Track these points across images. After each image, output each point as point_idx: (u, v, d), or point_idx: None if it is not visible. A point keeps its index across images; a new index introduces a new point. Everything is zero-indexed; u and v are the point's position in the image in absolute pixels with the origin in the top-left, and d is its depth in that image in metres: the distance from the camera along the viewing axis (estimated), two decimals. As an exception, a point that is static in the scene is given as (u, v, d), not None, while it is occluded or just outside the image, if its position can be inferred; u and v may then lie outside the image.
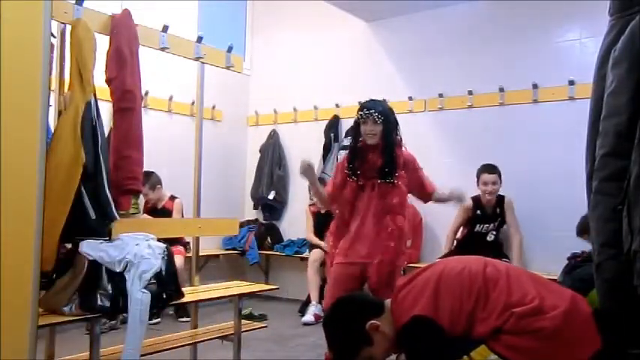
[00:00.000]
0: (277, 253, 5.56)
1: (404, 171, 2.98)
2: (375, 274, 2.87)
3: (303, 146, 5.63)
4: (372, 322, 1.91)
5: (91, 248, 2.22)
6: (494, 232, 4.30)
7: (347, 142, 4.83)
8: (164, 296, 2.39)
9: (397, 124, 3.03)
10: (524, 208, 4.33)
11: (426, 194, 3.15)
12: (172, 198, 4.66)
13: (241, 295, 2.94)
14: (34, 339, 1.66)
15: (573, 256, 3.12)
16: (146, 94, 4.75)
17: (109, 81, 2.56)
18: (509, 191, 4.34)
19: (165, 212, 4.57)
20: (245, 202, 6.03)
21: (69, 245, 2.31)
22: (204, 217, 3.24)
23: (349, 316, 1.99)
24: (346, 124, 5.26)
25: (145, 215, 4.50)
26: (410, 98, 5.03)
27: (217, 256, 5.38)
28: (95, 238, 2.27)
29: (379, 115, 2.91)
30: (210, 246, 5.36)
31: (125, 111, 2.58)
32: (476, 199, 4.35)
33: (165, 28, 2.90)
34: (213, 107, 5.58)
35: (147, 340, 2.58)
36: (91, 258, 2.20)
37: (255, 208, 5.93)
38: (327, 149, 5.41)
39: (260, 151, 5.92)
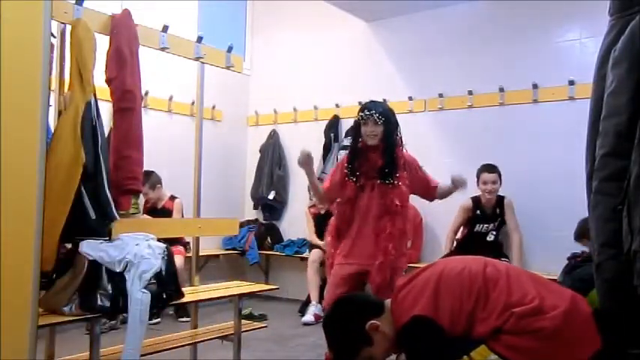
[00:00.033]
0: (277, 253, 5.56)
1: (406, 172, 2.98)
2: (376, 277, 2.87)
3: (303, 146, 5.57)
4: (372, 322, 1.91)
5: (91, 248, 2.22)
6: (494, 232, 4.30)
7: (347, 142, 4.84)
8: (164, 296, 2.39)
9: (398, 125, 3.03)
10: (524, 208, 4.33)
11: (430, 193, 3.14)
12: (172, 198, 4.66)
13: (241, 295, 2.94)
14: (34, 339, 1.66)
15: (573, 256, 3.13)
16: (146, 94, 4.75)
17: (109, 81, 2.56)
18: (509, 191, 4.34)
19: (165, 212, 4.57)
20: (245, 202, 6.03)
21: (69, 245, 2.31)
22: (204, 217, 3.24)
23: (349, 316, 1.99)
24: (346, 124, 5.26)
25: (145, 216, 4.50)
26: (410, 98, 5.03)
27: (217, 256, 5.38)
28: (95, 238, 2.27)
29: (380, 116, 2.91)
30: (210, 246, 5.36)
31: (125, 111, 2.58)
32: (475, 200, 4.35)
33: (165, 28, 2.90)
34: (213, 107, 5.58)
35: (147, 340, 2.58)
36: (91, 258, 2.20)
37: (255, 208, 5.93)
38: (327, 149, 5.41)
39: (260, 151, 5.92)
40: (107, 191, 2.34)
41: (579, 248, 3.39)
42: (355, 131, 3.05)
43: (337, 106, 5.48)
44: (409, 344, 1.88)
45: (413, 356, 1.89)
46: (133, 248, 2.31)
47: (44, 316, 2.10)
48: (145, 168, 2.81)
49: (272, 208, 5.79)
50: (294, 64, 5.85)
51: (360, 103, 4.85)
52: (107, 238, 2.32)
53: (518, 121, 4.52)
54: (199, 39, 3.11)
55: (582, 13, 4.27)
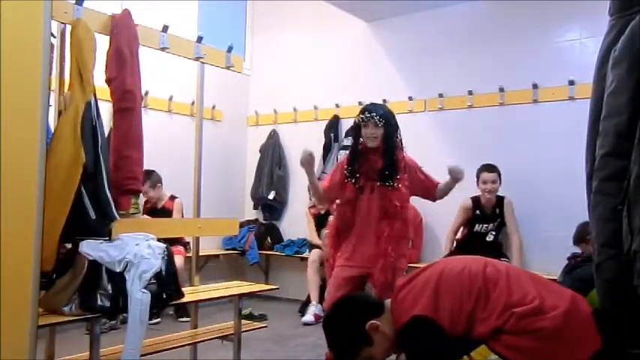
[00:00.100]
0: (277, 253, 5.56)
1: (406, 174, 2.99)
2: (379, 281, 2.88)
3: (303, 146, 5.56)
4: (372, 322, 1.91)
5: (91, 248, 2.22)
6: (493, 232, 4.30)
7: (347, 142, 4.84)
8: (164, 296, 2.39)
9: (398, 127, 3.03)
10: (524, 208, 4.33)
11: (430, 194, 3.15)
12: (172, 198, 4.66)
13: (241, 295, 2.94)
14: (34, 339, 1.66)
15: (573, 256, 3.14)
16: (146, 94, 4.75)
17: (109, 81, 2.56)
18: (509, 191, 4.34)
19: (165, 212, 4.57)
20: (245, 202, 6.03)
21: (69, 245, 2.31)
22: (204, 217, 3.24)
23: (349, 316, 1.99)
24: (346, 124, 5.26)
25: (145, 216, 4.50)
26: (410, 98, 5.03)
27: (217, 256, 5.38)
28: (95, 238, 2.27)
29: (380, 118, 2.92)
30: (210, 246, 5.36)
31: (125, 111, 2.58)
32: (475, 200, 4.36)
33: (165, 28, 2.90)
34: (213, 107, 5.58)
35: (147, 340, 2.58)
36: (91, 258, 2.20)
37: (255, 208, 5.93)
38: (327, 149, 5.41)
39: (260, 151, 5.92)
40: (107, 191, 2.34)
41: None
42: (355, 132, 3.05)
43: (337, 106, 5.48)
44: (409, 344, 1.88)
45: (413, 356, 1.89)
46: (133, 248, 2.31)
47: (44, 316, 2.10)
48: (145, 168, 2.81)
49: (272, 208, 5.79)
50: (294, 64, 5.85)
51: (360, 103, 4.87)
52: (107, 238, 2.32)
53: (518, 121, 4.52)
54: (199, 39, 3.11)
55: (582, 13, 4.27)
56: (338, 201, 3.10)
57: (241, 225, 5.50)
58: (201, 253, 3.31)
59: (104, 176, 2.34)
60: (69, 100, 2.33)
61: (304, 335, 4.14)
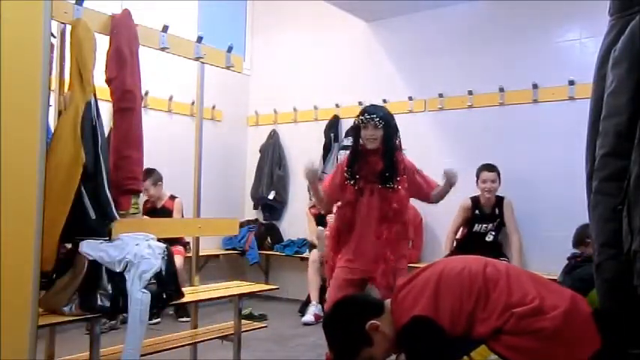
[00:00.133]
0: (277, 253, 5.56)
1: (405, 176, 2.99)
2: (381, 285, 2.90)
3: (303, 146, 5.64)
4: (372, 322, 1.91)
5: (91, 248, 2.22)
6: (493, 233, 4.30)
7: (347, 142, 4.84)
8: (164, 296, 2.39)
9: (397, 129, 3.04)
10: (524, 208, 4.33)
11: (427, 196, 3.16)
12: (172, 197, 4.66)
13: (241, 295, 2.94)
14: (34, 339, 1.66)
15: (573, 256, 3.14)
16: (146, 94, 4.75)
17: (109, 81, 2.56)
18: (509, 191, 4.34)
19: (165, 212, 4.57)
20: (245, 202, 6.03)
21: (69, 245, 2.31)
22: (204, 217, 3.24)
23: (349, 316, 1.99)
24: (346, 124, 5.26)
25: (145, 217, 4.50)
26: (410, 98, 5.03)
27: (217, 256, 5.38)
28: (95, 238, 2.27)
29: (380, 120, 2.93)
30: (210, 246, 5.36)
31: (125, 111, 2.58)
32: (475, 200, 4.36)
33: (165, 28, 2.90)
34: (213, 107, 5.58)
35: (147, 340, 2.57)
36: (91, 258, 2.20)
37: (255, 208, 5.93)
38: (327, 149, 5.41)
39: (260, 151, 5.92)
40: (107, 191, 2.34)
41: (579, 248, 3.40)
42: (355, 133, 3.05)
43: (337, 106, 5.48)
44: (409, 344, 1.88)
45: (413, 356, 1.89)
46: (133, 248, 2.31)
47: (44, 316, 2.10)
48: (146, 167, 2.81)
49: (272, 208, 5.79)
50: (294, 64, 5.85)
51: (360, 103, 4.88)
52: (107, 238, 2.32)
53: (518, 121, 4.52)
54: (199, 39, 3.11)
55: (582, 13, 4.27)
56: (338, 203, 3.11)
57: (241, 225, 5.50)
58: (201, 253, 3.31)
59: (104, 176, 2.34)
60: (69, 100, 2.33)
61: (304, 335, 4.14)
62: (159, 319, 4.36)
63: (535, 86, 4.42)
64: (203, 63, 3.16)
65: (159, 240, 2.50)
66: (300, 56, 5.82)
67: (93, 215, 2.28)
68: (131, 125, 2.60)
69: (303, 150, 5.63)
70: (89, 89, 2.33)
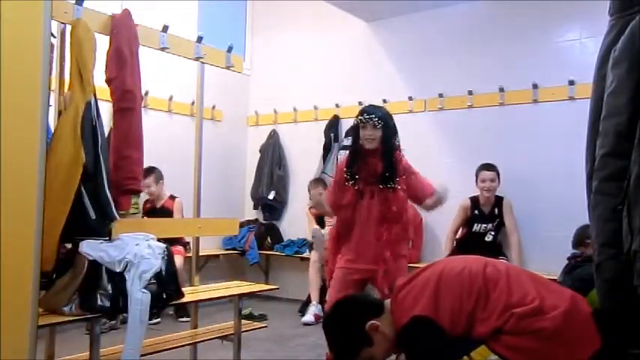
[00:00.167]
0: (277, 253, 5.56)
1: (404, 177, 3.00)
2: (381, 285, 2.90)
3: (303, 146, 5.64)
4: (372, 322, 1.91)
5: (91, 248, 2.22)
6: (492, 233, 4.30)
7: (347, 142, 4.83)
8: (164, 296, 2.39)
9: (396, 130, 3.04)
10: (524, 208, 4.33)
11: (420, 203, 3.17)
12: (172, 197, 4.66)
13: (241, 295, 2.94)
14: (34, 339, 1.66)
15: (573, 256, 3.14)
16: (146, 94, 4.75)
17: (109, 81, 2.56)
18: (508, 191, 4.34)
19: (165, 212, 4.57)
20: (245, 202, 6.03)
21: (69, 245, 2.31)
22: (204, 217, 3.24)
23: (349, 316, 1.99)
24: (346, 124, 5.26)
25: (145, 218, 4.50)
26: (410, 98, 5.03)
27: (217, 256, 5.38)
28: (95, 238, 2.27)
29: (379, 120, 2.93)
30: (210, 246, 5.36)
31: (125, 111, 2.58)
32: (474, 199, 4.36)
33: (165, 28, 2.90)
34: (213, 107, 5.58)
35: (147, 340, 2.57)
36: (91, 258, 2.20)
37: (255, 208, 5.93)
38: (327, 149, 5.41)
39: (260, 151, 5.92)
40: (107, 191, 2.34)
41: (579, 248, 3.40)
42: (355, 133, 3.06)
43: (337, 106, 5.48)
44: (409, 344, 1.88)
45: (413, 356, 1.89)
46: (133, 248, 2.31)
47: (44, 316, 2.10)
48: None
49: (272, 208, 5.79)
50: (294, 64, 5.85)
51: (360, 103, 4.88)
52: (107, 238, 2.32)
53: (518, 121, 4.52)
54: (199, 39, 3.11)
55: (582, 13, 4.27)
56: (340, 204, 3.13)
57: (241, 225, 5.50)
58: (201, 253, 3.31)
59: (104, 176, 2.34)
60: (69, 100, 2.33)
61: (304, 335, 4.14)
62: (159, 319, 4.36)
63: (535, 86, 4.42)
64: (203, 63, 3.16)
65: (159, 240, 2.50)
66: (300, 56, 5.82)
67: (93, 215, 2.28)
68: (131, 125, 2.60)
69: (303, 150, 5.64)
70: (89, 89, 2.33)
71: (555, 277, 3.02)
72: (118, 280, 2.23)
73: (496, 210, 4.32)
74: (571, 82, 4.26)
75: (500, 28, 4.66)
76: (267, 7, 6.09)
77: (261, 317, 4.26)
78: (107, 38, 2.58)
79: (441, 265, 1.97)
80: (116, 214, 2.39)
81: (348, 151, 3.19)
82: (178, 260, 3.86)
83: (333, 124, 5.45)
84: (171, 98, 5.20)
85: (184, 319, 4.36)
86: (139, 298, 2.22)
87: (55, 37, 2.37)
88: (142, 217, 4.54)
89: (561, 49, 4.40)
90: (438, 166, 4.68)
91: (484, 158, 4.38)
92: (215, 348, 3.19)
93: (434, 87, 4.91)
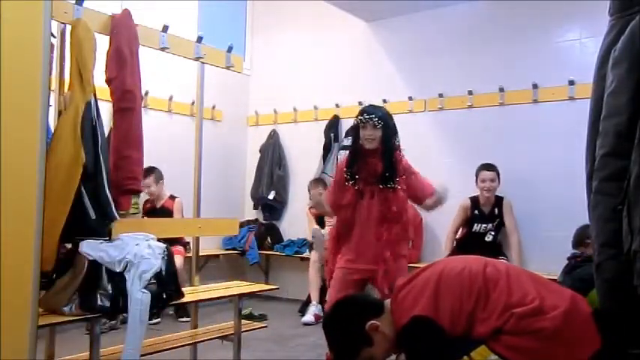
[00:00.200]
0: (277, 253, 5.56)
1: (404, 177, 3.00)
2: (382, 285, 2.90)
3: (303, 146, 5.64)
4: (372, 322, 1.91)
5: (91, 248, 2.22)
6: (492, 233, 4.30)
7: (347, 142, 4.83)
8: (164, 296, 2.39)
9: (396, 130, 3.04)
10: (524, 208, 4.33)
11: (420, 203, 3.17)
12: (172, 197, 4.66)
13: (241, 295, 2.94)
14: (34, 339, 1.66)
15: (573, 256, 3.14)
16: (146, 94, 4.75)
17: (109, 81, 2.56)
18: (509, 191, 4.34)
19: (165, 211, 4.57)
20: (245, 202, 6.03)
21: (69, 245, 2.31)
22: (204, 217, 3.24)
23: (349, 317, 1.99)
24: (346, 124, 5.26)
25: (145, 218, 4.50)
26: (410, 98, 5.03)
27: (217, 256, 5.38)
28: (95, 238, 2.27)
29: (379, 120, 2.93)
30: (210, 246, 5.36)
31: (125, 111, 2.58)
32: (474, 199, 4.37)
33: (165, 28, 2.90)
34: (213, 107, 5.58)
35: (147, 340, 2.57)
36: (91, 258, 2.20)
37: (255, 208, 5.93)
38: (327, 149, 5.41)
39: (260, 151, 5.92)
40: (107, 191, 2.34)
41: (579, 248, 3.40)
42: (355, 133, 3.06)
43: (337, 106, 5.48)
44: (409, 344, 1.88)
45: (413, 356, 1.89)
46: (133, 248, 2.31)
47: (44, 316, 2.10)
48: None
49: (272, 208, 5.79)
50: (294, 64, 5.85)
51: (360, 103, 4.88)
52: (107, 238, 2.32)
53: (518, 121, 4.52)
54: (199, 39, 3.11)
55: (582, 13, 4.27)
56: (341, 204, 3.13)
57: (241, 225, 5.50)
58: (201, 253, 3.31)
59: (104, 176, 2.34)
60: (69, 100, 2.33)
61: (304, 335, 4.14)
62: (159, 319, 4.36)
63: (535, 86, 4.42)
64: (203, 63, 3.16)
65: (159, 240, 2.50)
66: (300, 56, 5.82)
67: (93, 215, 2.28)
68: (131, 125, 2.60)
69: (303, 150, 5.64)
70: (89, 89, 2.33)
71: (555, 277, 3.02)
72: (118, 280, 2.23)
73: (496, 210, 4.32)
74: (571, 82, 4.26)
75: (500, 28, 4.66)
76: (267, 7, 6.09)
77: (261, 317, 4.26)
78: (107, 38, 2.58)
79: (441, 265, 1.96)
80: (116, 214, 2.39)
81: (348, 151, 3.20)
82: (178, 260, 3.86)
83: (333, 124, 5.45)
84: (171, 98, 5.20)
85: (184, 319, 4.36)
86: (139, 298, 2.22)
87: (55, 37, 2.37)
88: (142, 217, 4.54)
89: (561, 49, 4.40)
90: (438, 166, 4.68)
91: (484, 158, 4.38)
92: (215, 348, 3.19)
93: (434, 87, 4.91)
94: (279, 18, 6.01)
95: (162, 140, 4.69)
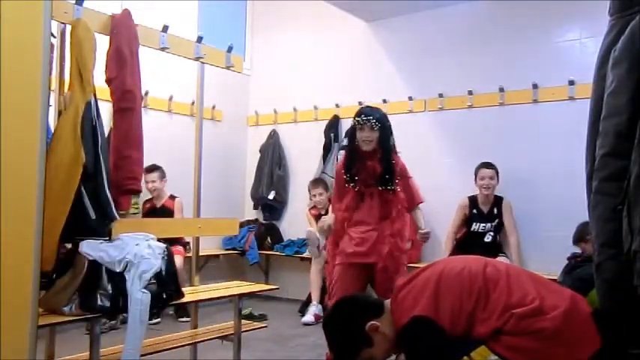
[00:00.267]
0: (277, 253, 5.55)
1: (400, 179, 3.02)
2: (382, 281, 2.90)
3: (303, 146, 5.64)
4: (372, 322, 1.91)
5: (91, 248, 2.22)
6: (491, 233, 4.30)
7: (347, 142, 4.84)
8: (164, 296, 2.39)
9: (392, 131, 3.05)
10: (524, 207, 4.33)
11: (411, 206, 3.19)
12: (172, 197, 4.66)
13: (241, 295, 2.94)
14: (34, 339, 1.66)
15: (573, 256, 3.14)
16: (146, 94, 4.75)
17: (109, 81, 2.56)
18: (508, 191, 4.34)
19: (165, 211, 4.57)
20: (245, 202, 6.02)
21: (69, 245, 2.31)
22: (204, 217, 3.24)
23: (349, 317, 1.99)
24: (346, 124, 5.25)
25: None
26: (410, 98, 5.03)
27: (217, 256, 5.38)
28: (95, 238, 2.27)
29: (377, 122, 2.94)
30: (210, 246, 5.36)
31: (125, 111, 2.59)
32: (472, 198, 4.37)
33: (165, 28, 2.90)
34: (213, 107, 5.58)
35: (147, 340, 2.57)
36: (91, 258, 2.20)
37: (255, 208, 5.93)
38: (327, 149, 5.41)
39: (260, 151, 5.92)
40: (107, 191, 2.34)
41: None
42: (351, 135, 3.07)
43: (337, 106, 5.48)
44: (409, 345, 1.88)
45: (413, 357, 1.89)
46: (133, 248, 2.31)
47: (44, 316, 2.10)
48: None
49: (272, 208, 5.79)
50: (294, 64, 5.85)
51: (360, 103, 4.88)
52: (107, 238, 2.32)
53: (518, 121, 4.52)
54: (199, 39, 3.11)
55: (582, 13, 4.27)
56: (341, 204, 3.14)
57: (241, 225, 5.50)
58: (201, 253, 3.31)
59: (104, 176, 2.34)
60: (69, 100, 2.33)
61: (304, 335, 4.14)
62: (159, 319, 4.36)
63: (535, 86, 4.42)
64: (203, 63, 3.16)
65: (159, 240, 2.50)
66: (300, 56, 5.82)
67: (93, 215, 2.28)
68: (131, 125, 2.60)
69: (303, 150, 5.64)
70: (89, 89, 2.33)
71: (555, 277, 3.02)
72: (118, 280, 2.23)
73: (495, 210, 4.32)
74: (571, 82, 4.26)
75: (500, 28, 4.66)
76: (267, 7, 6.09)
77: (261, 317, 4.26)
78: (107, 38, 2.58)
79: (441, 265, 1.97)
80: (116, 214, 2.39)
81: (345, 152, 3.21)
82: (178, 260, 3.86)
83: (333, 124, 5.44)
84: (171, 98, 5.20)
85: (184, 319, 4.36)
86: (139, 298, 2.22)
87: (55, 37, 2.37)
88: (142, 217, 4.54)
89: (561, 49, 4.40)
90: (438, 166, 4.68)
91: (484, 158, 4.38)
92: (215, 348, 3.19)
93: (434, 87, 4.91)
94: (279, 18, 6.01)
95: (162, 140, 4.69)
